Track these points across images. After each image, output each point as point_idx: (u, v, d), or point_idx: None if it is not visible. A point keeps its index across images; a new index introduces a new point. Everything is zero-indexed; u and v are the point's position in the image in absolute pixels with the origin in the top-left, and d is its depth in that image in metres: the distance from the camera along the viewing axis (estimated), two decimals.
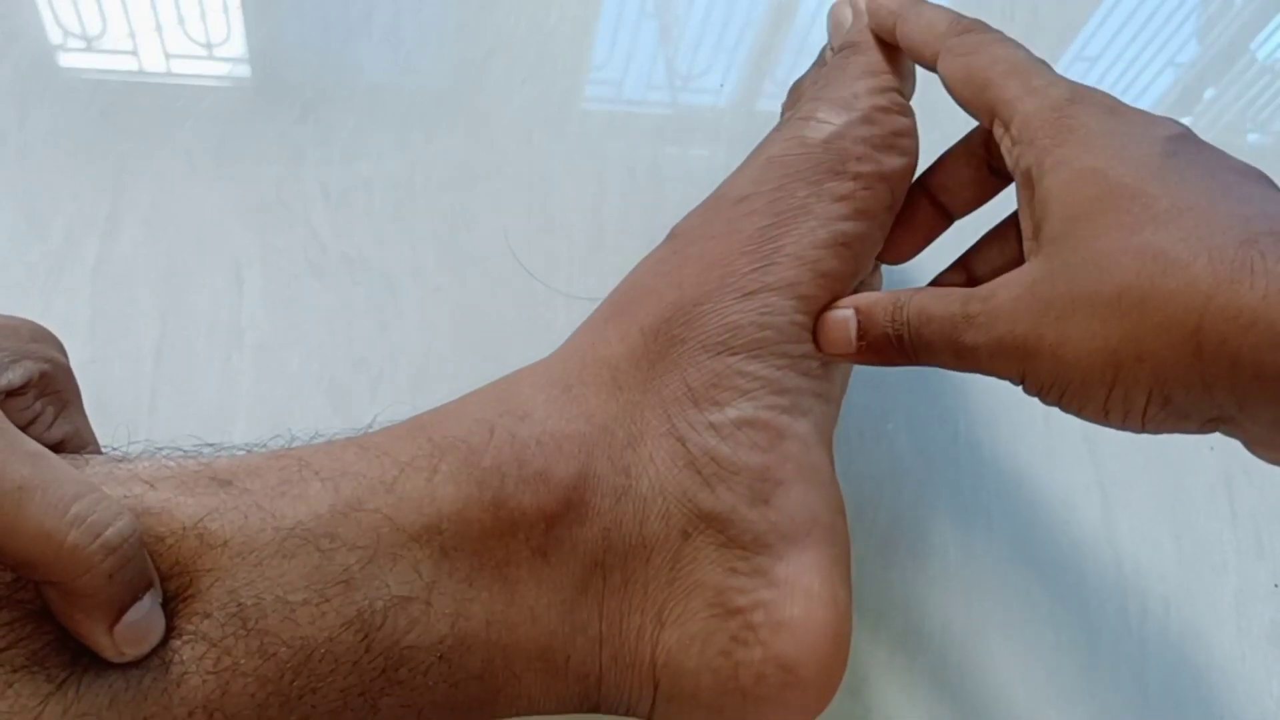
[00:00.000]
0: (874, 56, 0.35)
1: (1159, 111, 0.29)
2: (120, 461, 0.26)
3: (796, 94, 0.38)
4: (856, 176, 0.32)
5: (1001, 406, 0.41)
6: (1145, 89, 0.52)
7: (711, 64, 0.50)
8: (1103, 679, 0.37)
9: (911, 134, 0.34)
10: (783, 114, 0.40)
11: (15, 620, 0.22)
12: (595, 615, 0.29)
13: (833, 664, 0.29)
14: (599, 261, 0.42)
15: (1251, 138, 0.52)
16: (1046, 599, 0.38)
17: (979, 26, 0.32)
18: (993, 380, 0.29)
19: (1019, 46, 0.31)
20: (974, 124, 0.33)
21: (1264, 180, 0.27)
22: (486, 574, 0.27)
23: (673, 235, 0.34)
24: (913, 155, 0.34)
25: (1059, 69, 0.30)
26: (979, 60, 0.30)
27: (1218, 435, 0.25)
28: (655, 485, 0.29)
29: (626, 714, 0.30)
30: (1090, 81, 0.48)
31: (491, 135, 0.45)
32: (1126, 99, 0.29)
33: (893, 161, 0.33)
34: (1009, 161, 0.30)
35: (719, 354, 0.31)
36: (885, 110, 0.34)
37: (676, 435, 0.30)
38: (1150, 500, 0.41)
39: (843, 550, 0.31)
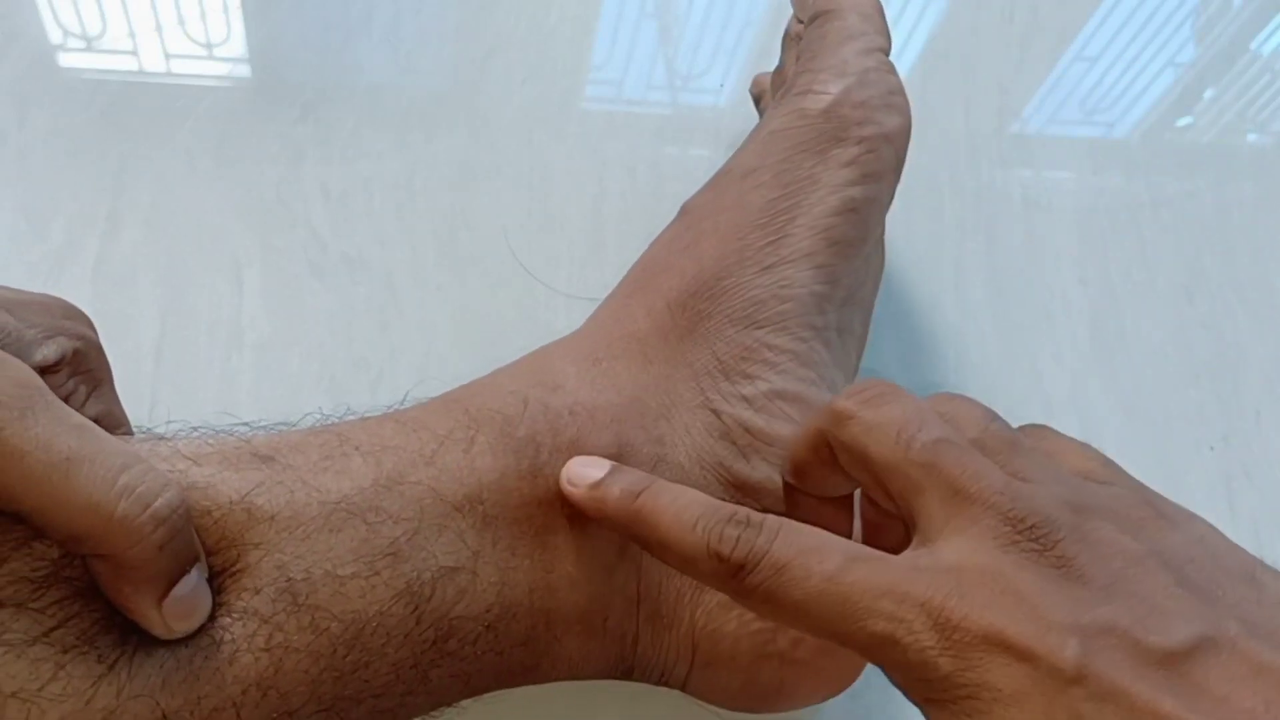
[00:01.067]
0: (850, 20, 0.35)
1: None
2: (160, 439, 0.26)
3: (780, 79, 0.38)
4: (860, 141, 0.33)
5: (1002, 407, 0.41)
6: (1145, 89, 0.52)
7: (711, 64, 0.50)
8: None
9: (904, 92, 0.35)
10: (758, 105, 0.40)
11: (64, 598, 0.22)
12: (634, 578, 0.29)
13: None
14: (599, 261, 0.42)
15: (1251, 138, 0.52)
16: None
17: (737, 548, 0.23)
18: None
19: (811, 544, 0.23)
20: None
21: None
22: (527, 542, 0.27)
23: (684, 211, 0.35)
24: (908, 113, 0.35)
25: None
26: (769, 604, 0.23)
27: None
28: (692, 455, 0.30)
29: (660, 680, 0.30)
30: (1090, 81, 0.48)
31: (491, 135, 0.45)
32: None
33: (893, 120, 0.34)
34: None
35: (745, 328, 0.31)
36: (876, 71, 0.34)
37: (710, 407, 0.30)
38: None
39: None
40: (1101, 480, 0.24)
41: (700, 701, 0.32)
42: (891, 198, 0.35)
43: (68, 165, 0.41)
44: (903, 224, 0.43)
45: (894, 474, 0.23)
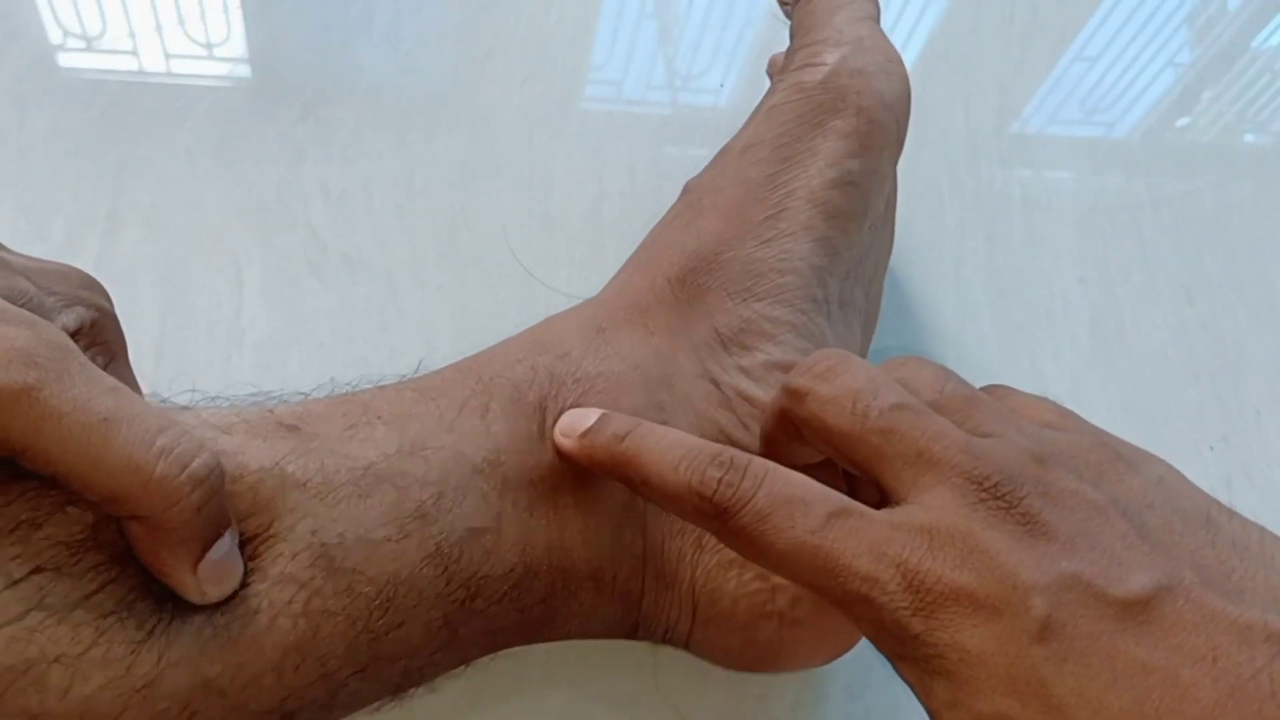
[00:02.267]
0: None
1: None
2: (183, 409, 0.26)
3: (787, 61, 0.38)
4: (859, 110, 0.33)
5: None
6: (1145, 89, 0.52)
7: (711, 64, 0.50)
8: None
9: (900, 59, 0.35)
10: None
11: (101, 563, 0.22)
12: (640, 537, 0.29)
13: None
14: (599, 261, 0.42)
15: (1250, 138, 0.52)
16: None
17: (719, 490, 0.23)
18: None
19: (796, 495, 0.23)
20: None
21: None
22: (542, 503, 0.28)
23: (686, 191, 0.35)
24: (907, 80, 0.35)
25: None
26: (751, 550, 0.23)
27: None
28: (693, 423, 0.30)
29: (664, 638, 0.31)
30: (1090, 81, 0.48)
31: (491, 135, 0.45)
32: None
33: (892, 88, 0.34)
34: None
35: (744, 300, 0.31)
36: (871, 38, 0.34)
37: (709, 377, 0.31)
38: None
39: None
40: (1059, 429, 0.24)
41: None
42: (893, 168, 0.35)
43: (68, 165, 0.41)
44: (903, 223, 0.43)
45: (855, 444, 0.23)
